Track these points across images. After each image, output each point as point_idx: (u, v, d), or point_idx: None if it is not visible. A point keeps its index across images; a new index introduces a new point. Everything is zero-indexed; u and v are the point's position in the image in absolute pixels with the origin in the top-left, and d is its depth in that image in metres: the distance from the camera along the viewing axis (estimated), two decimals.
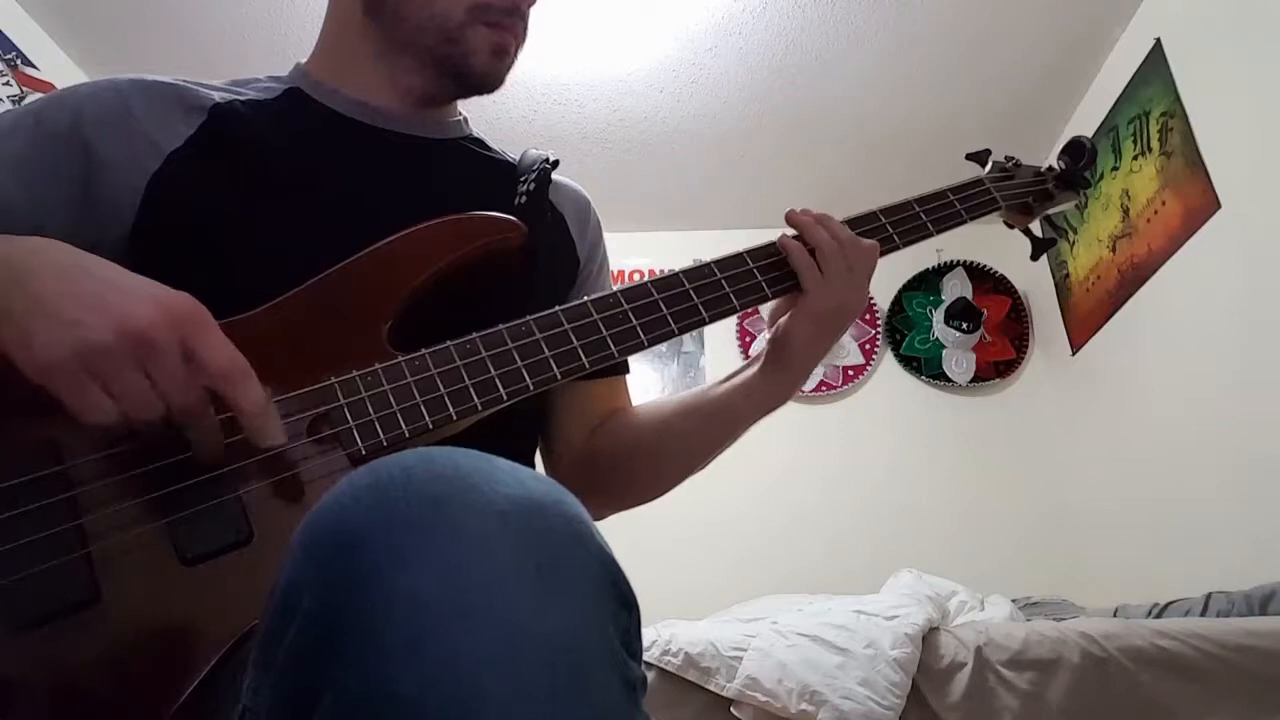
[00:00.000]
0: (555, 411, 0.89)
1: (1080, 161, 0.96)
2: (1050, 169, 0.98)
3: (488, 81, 0.83)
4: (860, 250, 0.78)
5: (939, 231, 0.86)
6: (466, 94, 0.86)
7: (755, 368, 0.82)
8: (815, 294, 0.77)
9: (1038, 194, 0.95)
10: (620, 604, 0.42)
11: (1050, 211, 0.97)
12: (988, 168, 0.95)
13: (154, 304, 0.54)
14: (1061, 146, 0.99)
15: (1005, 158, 0.96)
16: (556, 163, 0.90)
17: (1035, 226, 0.98)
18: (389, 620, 0.36)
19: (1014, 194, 0.93)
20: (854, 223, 0.82)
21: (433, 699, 0.34)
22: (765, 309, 0.81)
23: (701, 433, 0.84)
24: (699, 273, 0.76)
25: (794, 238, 0.80)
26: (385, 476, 0.41)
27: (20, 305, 0.54)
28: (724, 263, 0.77)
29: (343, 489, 0.41)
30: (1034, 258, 0.97)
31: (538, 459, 0.91)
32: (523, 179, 0.86)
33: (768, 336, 0.81)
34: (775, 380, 0.80)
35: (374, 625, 0.37)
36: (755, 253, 0.78)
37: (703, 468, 0.87)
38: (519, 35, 0.83)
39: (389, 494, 0.40)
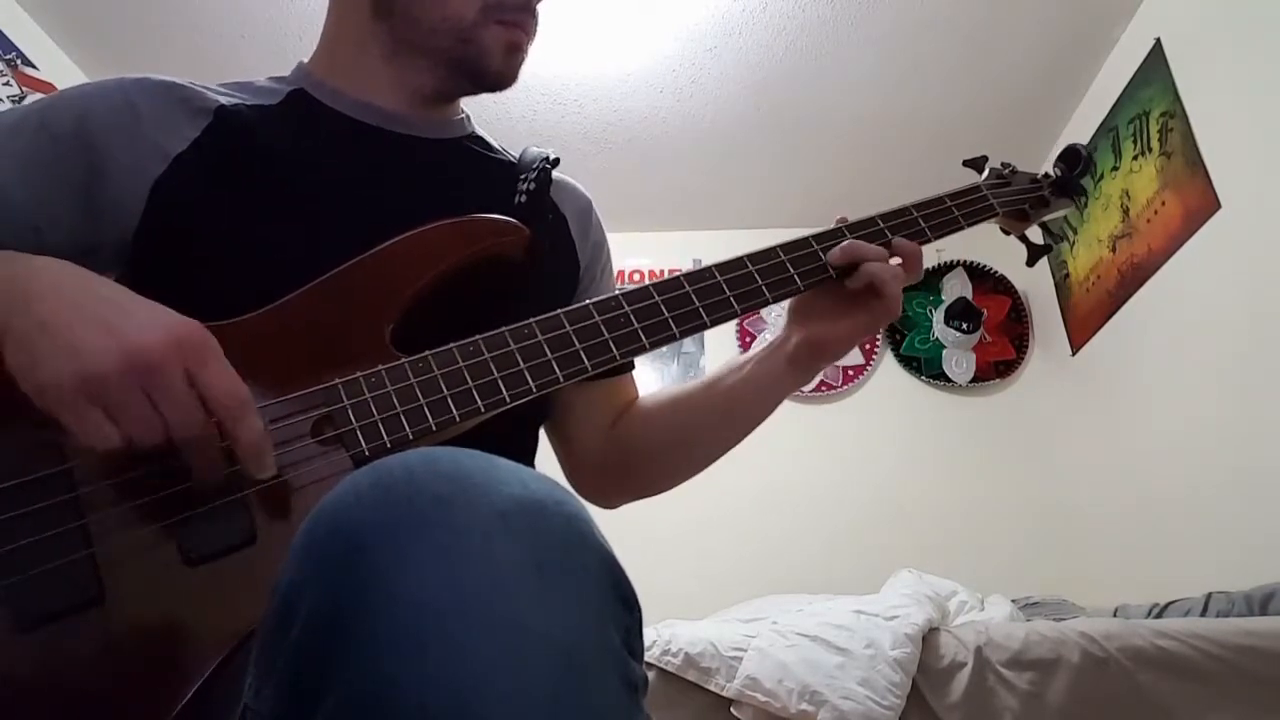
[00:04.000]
0: (572, 413, 0.91)
1: (1076, 169, 0.96)
2: (1046, 176, 0.98)
3: (503, 80, 0.84)
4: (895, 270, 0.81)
5: (937, 238, 0.87)
6: (479, 92, 0.86)
7: (780, 360, 0.84)
8: (885, 316, 0.80)
9: (1034, 201, 0.95)
10: (621, 604, 0.42)
11: (1046, 218, 0.98)
12: (984, 174, 0.96)
13: (160, 330, 0.54)
14: (1059, 149, 0.99)
15: (1001, 164, 0.97)
16: (557, 161, 0.90)
17: (1032, 233, 0.98)
18: (391, 620, 0.37)
19: (1010, 201, 0.93)
20: (853, 228, 0.83)
21: (434, 699, 0.35)
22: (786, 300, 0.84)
23: (727, 424, 0.87)
24: (700, 276, 0.76)
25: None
26: (388, 476, 0.41)
27: (25, 327, 0.54)
28: (725, 266, 0.77)
29: (345, 489, 0.41)
30: (1030, 264, 0.98)
31: (539, 462, 0.91)
32: (523, 177, 0.86)
33: (799, 336, 0.83)
34: (805, 374, 0.84)
35: (376, 625, 0.37)
36: (755, 256, 0.79)
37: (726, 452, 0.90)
38: (531, 31, 0.84)
39: (392, 493, 0.40)
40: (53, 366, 0.52)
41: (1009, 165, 0.97)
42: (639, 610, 0.44)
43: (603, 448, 0.91)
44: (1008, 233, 0.98)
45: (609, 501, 0.94)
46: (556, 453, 0.95)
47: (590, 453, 0.92)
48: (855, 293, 0.80)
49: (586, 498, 0.93)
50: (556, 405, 0.91)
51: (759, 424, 0.87)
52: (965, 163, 0.98)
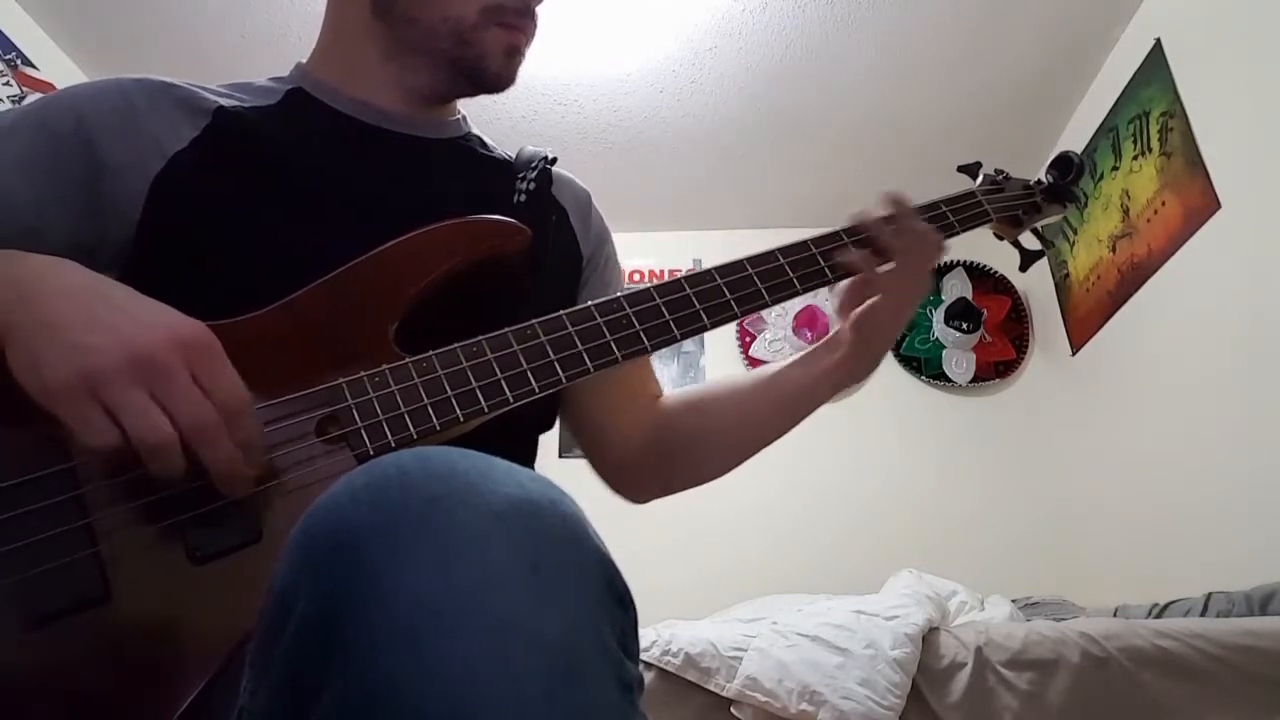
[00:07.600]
0: (601, 404, 0.90)
1: (1068, 176, 0.98)
2: (1039, 182, 1.00)
3: (501, 82, 0.84)
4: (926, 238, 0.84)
5: None
6: (478, 93, 0.86)
7: (838, 352, 0.85)
8: (914, 288, 0.83)
9: (1026, 207, 0.97)
10: (616, 604, 0.42)
11: (1039, 224, 1.00)
12: (978, 180, 0.97)
13: (164, 330, 0.54)
14: (1059, 149, 1.01)
15: (995, 170, 0.99)
16: (554, 160, 0.90)
17: (1025, 238, 1.00)
18: (386, 620, 0.37)
19: (1004, 206, 0.95)
20: (850, 231, 0.83)
21: (429, 700, 0.35)
22: (834, 296, 0.86)
23: (780, 413, 0.88)
24: (700, 278, 0.76)
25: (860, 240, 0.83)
26: (382, 476, 0.41)
27: (29, 326, 0.54)
28: (725, 269, 0.78)
29: (339, 489, 0.41)
30: (1023, 269, 1.00)
31: (537, 462, 0.91)
32: (521, 176, 0.86)
33: (844, 323, 0.85)
34: (861, 363, 0.85)
35: (371, 625, 0.37)
36: (755, 259, 0.79)
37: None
38: (530, 34, 0.84)
39: (386, 494, 0.40)
40: (56, 365, 0.52)
41: (1002, 172, 0.99)
42: (634, 610, 0.44)
43: (648, 432, 0.90)
44: (1001, 238, 1.00)
45: (644, 494, 0.93)
46: (586, 448, 0.93)
47: (628, 440, 0.90)
48: (889, 260, 0.83)
49: (621, 491, 0.93)
50: (582, 400, 0.90)
51: (804, 418, 0.88)
52: (959, 169, 1.00)
